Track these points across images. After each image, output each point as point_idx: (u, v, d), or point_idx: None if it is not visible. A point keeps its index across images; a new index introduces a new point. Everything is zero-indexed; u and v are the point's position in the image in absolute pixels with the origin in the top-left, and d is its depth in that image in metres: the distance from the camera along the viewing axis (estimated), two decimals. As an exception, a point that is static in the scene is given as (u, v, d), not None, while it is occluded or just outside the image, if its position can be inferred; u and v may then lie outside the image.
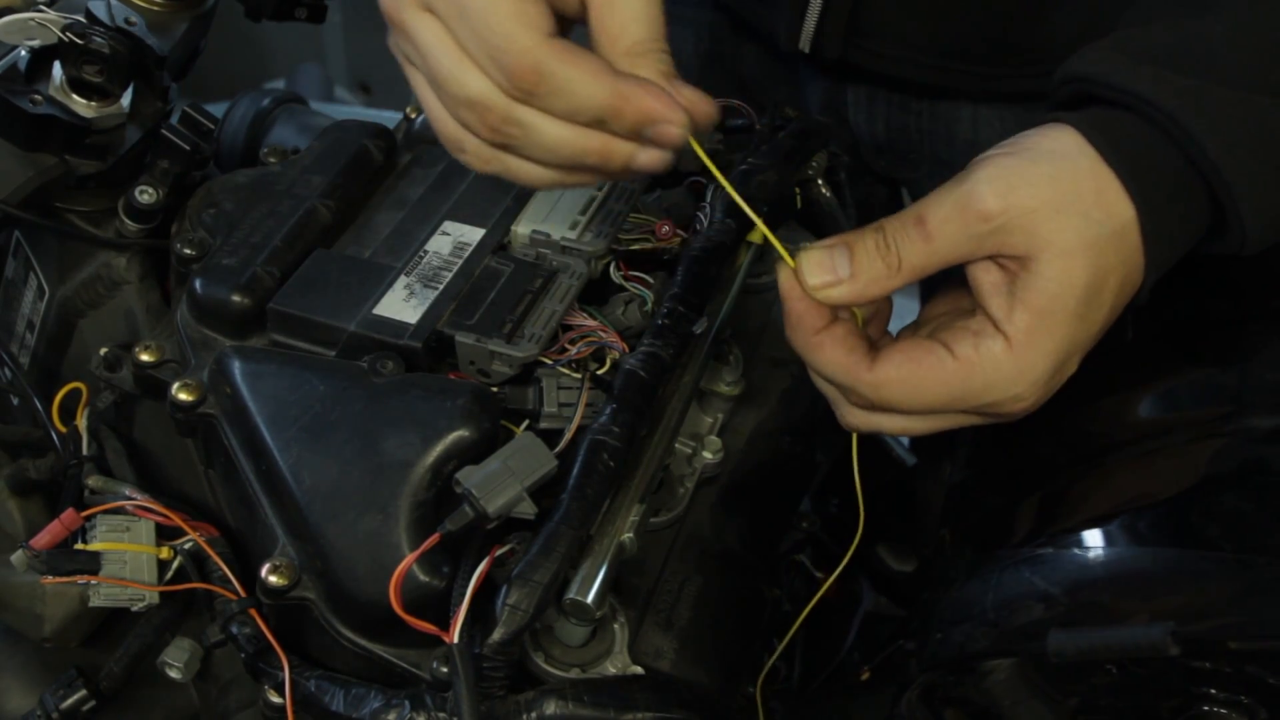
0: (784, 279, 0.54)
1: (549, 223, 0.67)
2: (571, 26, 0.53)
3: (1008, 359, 0.52)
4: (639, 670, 0.55)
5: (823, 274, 0.53)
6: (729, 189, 0.56)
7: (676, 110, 0.49)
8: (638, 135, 0.50)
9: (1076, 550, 0.56)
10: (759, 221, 0.56)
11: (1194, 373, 0.62)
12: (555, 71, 0.48)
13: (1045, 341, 0.51)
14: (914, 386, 0.53)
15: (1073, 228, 0.51)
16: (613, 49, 0.51)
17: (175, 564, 0.62)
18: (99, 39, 0.69)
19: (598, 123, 0.50)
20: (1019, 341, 0.51)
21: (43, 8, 0.70)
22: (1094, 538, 0.57)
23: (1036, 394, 0.53)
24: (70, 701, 0.63)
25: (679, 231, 0.68)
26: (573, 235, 0.66)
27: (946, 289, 0.55)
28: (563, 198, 0.68)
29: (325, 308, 0.63)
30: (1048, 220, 0.51)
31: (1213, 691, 0.53)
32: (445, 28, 0.51)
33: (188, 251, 0.68)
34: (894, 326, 0.60)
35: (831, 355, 0.54)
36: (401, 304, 0.63)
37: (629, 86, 0.49)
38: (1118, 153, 0.51)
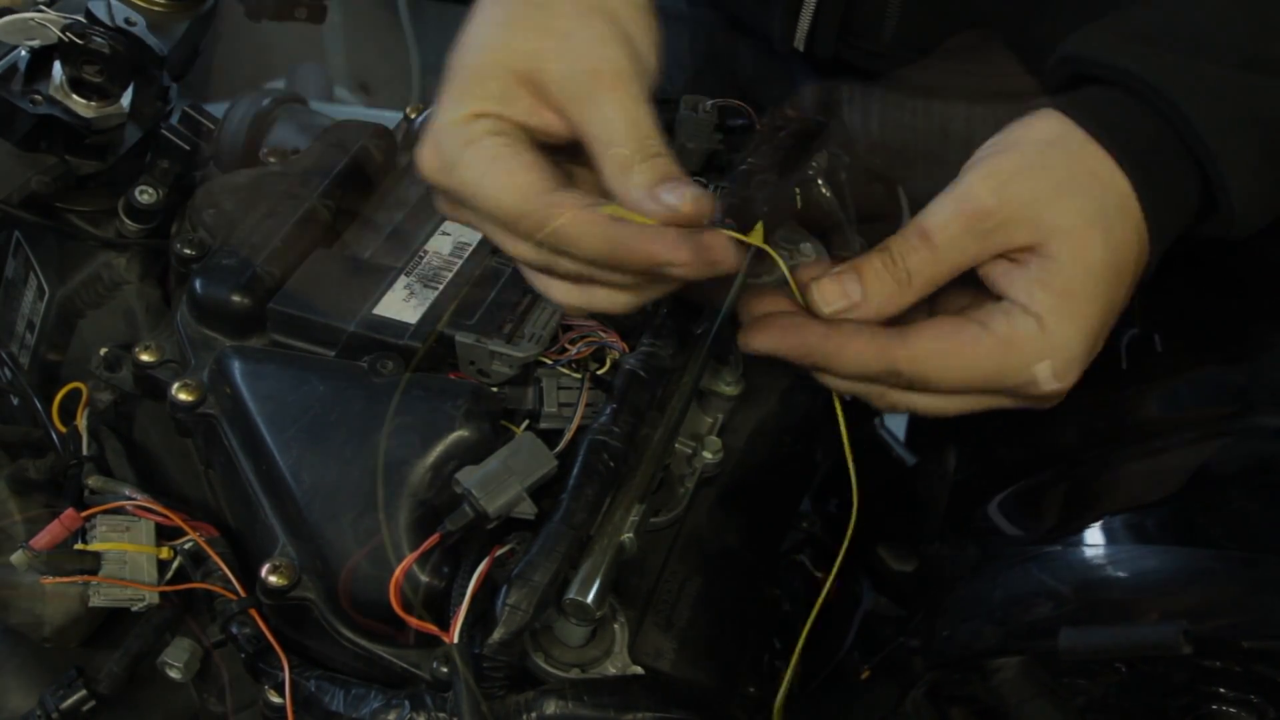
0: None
1: (550, 222, 0.67)
2: (578, 154, 0.53)
3: (1042, 335, 0.51)
4: (639, 670, 0.55)
5: (836, 301, 0.53)
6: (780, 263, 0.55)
7: (678, 251, 0.48)
8: (654, 275, 0.50)
9: (1084, 548, 0.56)
10: (788, 273, 0.55)
11: (1201, 371, 0.61)
12: (557, 229, 0.49)
13: (1076, 318, 0.51)
14: (952, 359, 0.52)
15: (1075, 208, 0.51)
16: (605, 169, 0.50)
17: (175, 564, 0.62)
18: (99, 39, 0.69)
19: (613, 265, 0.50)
20: (1048, 320, 0.51)
21: (43, 8, 0.70)
22: (1102, 535, 0.56)
23: (1073, 373, 0.52)
24: (70, 701, 0.63)
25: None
26: (573, 234, 0.66)
27: (958, 284, 0.54)
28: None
29: (325, 308, 0.63)
30: (1048, 206, 0.51)
31: (1221, 690, 0.53)
32: (475, 215, 0.53)
33: (188, 251, 0.68)
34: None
35: (856, 349, 0.53)
36: (401, 304, 0.63)
37: (627, 235, 0.49)
38: (1103, 128, 0.51)
